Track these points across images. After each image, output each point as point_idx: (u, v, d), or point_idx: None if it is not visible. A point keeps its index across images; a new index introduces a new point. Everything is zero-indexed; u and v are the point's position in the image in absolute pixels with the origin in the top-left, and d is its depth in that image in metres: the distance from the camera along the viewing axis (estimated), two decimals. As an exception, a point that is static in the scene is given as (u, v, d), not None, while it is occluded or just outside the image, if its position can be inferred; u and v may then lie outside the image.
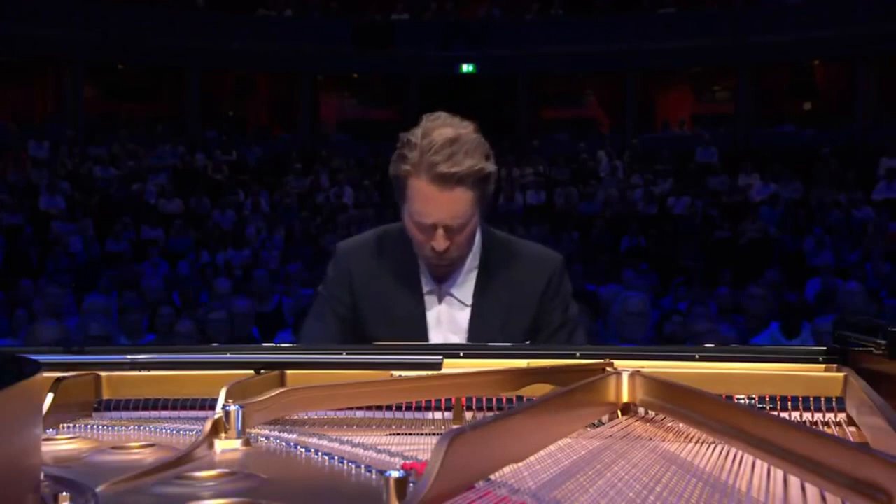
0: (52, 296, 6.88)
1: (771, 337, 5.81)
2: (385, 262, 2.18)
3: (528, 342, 2.12)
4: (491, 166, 2.03)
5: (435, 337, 2.15)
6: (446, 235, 2.03)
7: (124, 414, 1.54)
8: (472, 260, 2.17)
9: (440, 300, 2.17)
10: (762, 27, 18.96)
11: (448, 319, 2.16)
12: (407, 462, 1.14)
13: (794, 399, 1.43)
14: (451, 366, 1.57)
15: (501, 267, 2.17)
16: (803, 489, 0.96)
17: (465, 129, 2.02)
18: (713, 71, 21.16)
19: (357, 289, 2.18)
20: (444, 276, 2.16)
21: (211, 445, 1.21)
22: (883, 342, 1.29)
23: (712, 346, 1.80)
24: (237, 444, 1.23)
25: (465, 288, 2.17)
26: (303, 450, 1.23)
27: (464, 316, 2.17)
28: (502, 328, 2.12)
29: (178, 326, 5.49)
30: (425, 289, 2.16)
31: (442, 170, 1.95)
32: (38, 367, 0.83)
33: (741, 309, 6.74)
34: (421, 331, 2.14)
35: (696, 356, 1.58)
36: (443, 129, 2.00)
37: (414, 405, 1.47)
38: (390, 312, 2.14)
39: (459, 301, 2.17)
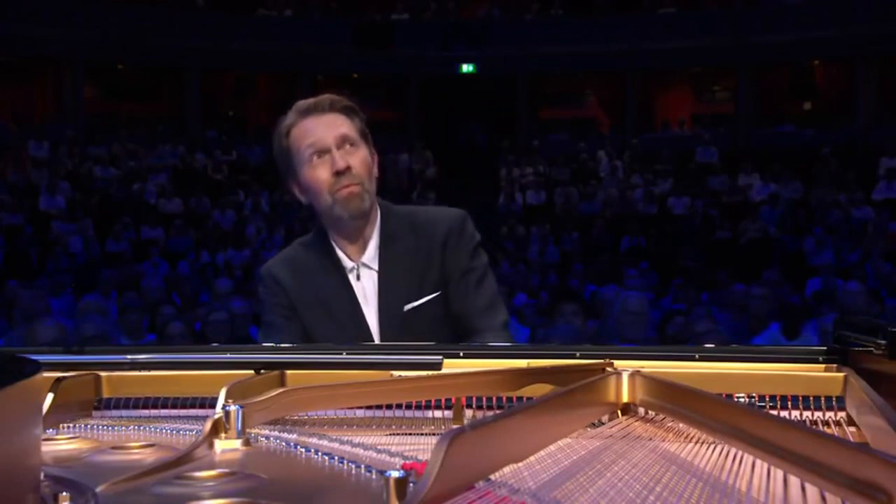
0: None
1: (771, 338, 5.80)
2: (307, 259, 2.28)
3: (438, 293, 2.18)
4: (355, 106, 2.24)
5: (367, 311, 2.22)
6: (342, 154, 2.15)
7: (124, 414, 1.54)
8: (376, 231, 2.25)
9: (359, 277, 2.24)
10: (762, 27, 18.96)
11: (370, 291, 2.24)
12: (407, 462, 1.14)
13: (794, 397, 1.43)
14: (451, 366, 1.57)
15: (402, 233, 2.25)
16: (803, 489, 0.96)
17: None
18: (713, 71, 21.16)
19: (290, 289, 2.25)
20: (357, 244, 2.23)
21: (211, 445, 1.21)
22: (883, 342, 1.29)
23: (712, 346, 1.80)
24: (237, 444, 1.23)
25: (374, 257, 2.26)
26: (303, 450, 1.23)
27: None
28: (408, 286, 2.19)
29: (169, 329, 5.47)
30: (347, 268, 2.24)
31: (308, 103, 2.21)
32: (38, 367, 0.83)
33: (741, 309, 6.74)
34: (353, 309, 2.21)
35: (696, 356, 1.58)
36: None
37: (414, 404, 1.47)
38: (323, 299, 2.22)
39: (370, 269, 2.24)
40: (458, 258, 2.23)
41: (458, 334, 2.19)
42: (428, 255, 2.22)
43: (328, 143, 2.15)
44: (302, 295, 2.24)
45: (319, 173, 2.16)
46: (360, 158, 2.18)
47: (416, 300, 2.18)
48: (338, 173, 2.14)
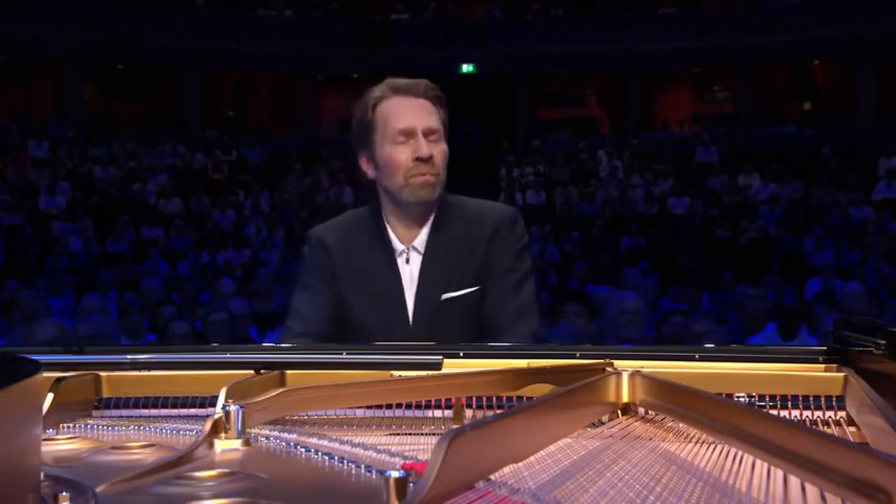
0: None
1: (768, 338, 5.79)
2: (358, 233, 2.26)
3: (477, 287, 2.17)
4: (443, 102, 2.21)
5: (410, 296, 2.21)
6: (427, 142, 2.14)
7: (124, 414, 1.54)
8: (430, 218, 2.24)
9: (408, 261, 2.23)
10: (762, 27, 18.96)
11: (417, 276, 2.23)
12: (407, 462, 1.14)
13: (794, 397, 1.43)
14: (451, 366, 1.57)
15: (452, 220, 2.24)
16: (803, 489, 0.96)
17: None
18: (713, 71, 21.15)
19: (336, 259, 2.24)
20: (411, 232, 2.22)
21: (211, 445, 1.21)
22: (883, 342, 1.29)
23: (712, 346, 1.80)
24: (237, 444, 1.23)
25: (423, 243, 2.25)
26: (303, 450, 1.23)
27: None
28: (449, 275, 2.18)
29: (173, 329, 5.46)
30: (397, 250, 2.23)
31: (406, 83, 2.19)
32: (38, 367, 0.83)
33: (738, 309, 6.74)
34: (397, 292, 2.20)
35: (696, 356, 1.58)
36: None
37: (414, 404, 1.47)
38: (368, 278, 2.21)
39: (419, 253, 2.23)
40: (503, 256, 2.21)
41: (481, 334, 2.17)
42: (474, 245, 2.21)
43: (417, 128, 2.14)
44: (346, 267, 2.23)
45: (400, 154, 2.14)
46: (441, 150, 2.18)
47: (455, 291, 2.17)
48: (419, 159, 2.13)
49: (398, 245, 2.23)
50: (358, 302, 2.20)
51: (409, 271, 2.22)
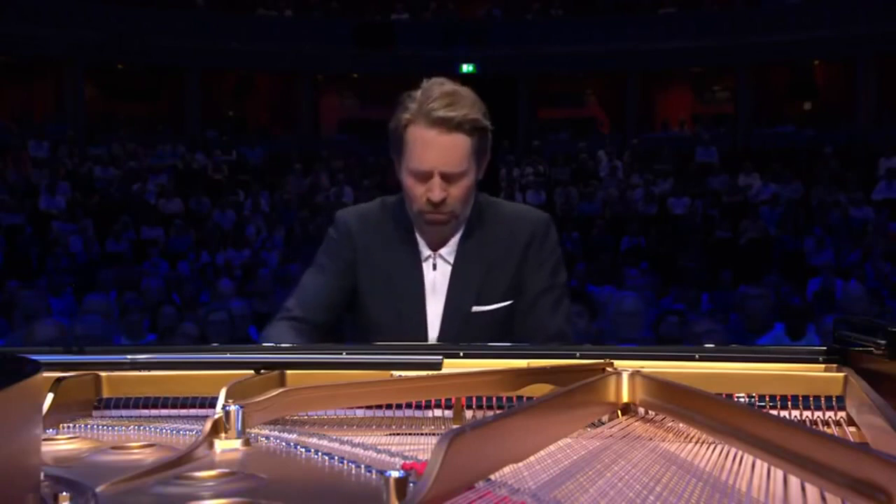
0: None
1: (776, 338, 5.79)
2: (385, 228, 2.18)
3: (509, 302, 2.11)
4: (487, 122, 2.07)
5: (431, 303, 2.14)
6: (443, 185, 2.04)
7: (124, 414, 1.54)
8: (462, 225, 2.16)
9: (434, 267, 2.16)
10: (762, 27, 18.96)
11: (441, 285, 2.16)
12: (407, 462, 1.14)
13: (794, 397, 1.43)
14: (451, 366, 1.57)
15: (485, 225, 2.16)
16: (803, 489, 0.96)
17: (463, 88, 2.09)
18: (713, 71, 21.15)
19: (359, 249, 2.18)
20: (438, 241, 2.15)
21: (211, 445, 1.21)
22: (883, 342, 1.29)
23: (712, 346, 1.79)
24: (237, 444, 1.23)
25: (452, 251, 2.17)
26: (303, 450, 1.23)
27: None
28: (480, 287, 2.11)
29: (180, 329, 5.48)
30: (423, 255, 2.16)
31: (440, 114, 2.00)
32: (38, 367, 0.83)
33: (741, 309, 6.73)
34: (418, 298, 2.14)
35: (696, 356, 1.58)
36: (442, 85, 2.07)
37: (414, 404, 1.47)
38: (389, 278, 2.15)
39: (447, 262, 2.16)
40: (539, 270, 2.14)
41: None
42: (506, 255, 2.14)
43: (434, 171, 2.03)
44: (367, 262, 2.17)
45: (415, 190, 2.06)
46: (461, 188, 2.06)
47: (487, 304, 2.11)
48: (430, 201, 2.05)
49: (424, 250, 2.16)
50: (376, 301, 2.15)
51: (433, 278, 2.15)
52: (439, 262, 2.16)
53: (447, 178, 2.04)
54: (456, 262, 2.14)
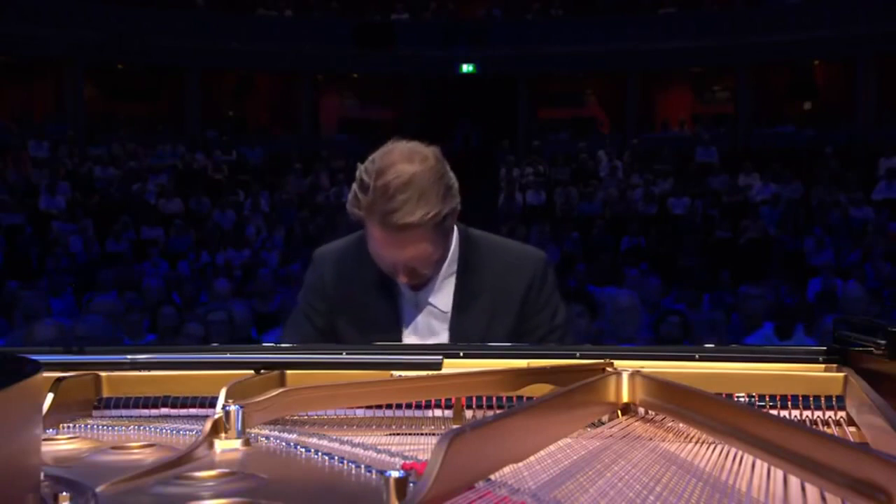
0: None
1: (765, 337, 5.79)
2: (361, 268, 2.09)
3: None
4: (448, 205, 1.93)
5: (411, 341, 2.10)
6: (408, 268, 1.98)
7: (124, 414, 1.54)
8: (450, 265, 2.08)
9: (418, 308, 2.10)
10: (762, 27, 18.96)
11: (425, 327, 2.10)
12: (407, 462, 1.14)
13: (794, 397, 1.43)
14: (451, 366, 1.57)
15: (480, 269, 2.08)
16: (803, 489, 0.96)
17: (421, 164, 1.90)
18: (713, 71, 21.15)
19: (332, 296, 2.13)
20: (418, 285, 2.09)
21: (211, 445, 1.21)
22: (883, 342, 1.29)
23: (712, 346, 1.80)
24: (237, 444, 1.23)
25: (443, 294, 2.09)
26: (303, 450, 1.23)
27: (441, 324, 2.09)
28: (484, 336, 2.04)
29: (184, 328, 5.47)
30: (403, 297, 2.10)
31: (394, 220, 1.86)
32: (38, 367, 0.83)
33: (740, 309, 6.74)
34: (396, 340, 2.08)
35: (696, 356, 1.58)
36: (399, 166, 1.88)
37: (414, 404, 1.47)
38: (365, 321, 2.08)
39: (438, 309, 2.09)
40: (540, 314, 2.09)
41: None
42: (507, 301, 2.07)
43: (394, 264, 1.97)
44: (345, 309, 2.10)
45: (382, 264, 2.00)
46: (429, 262, 1.99)
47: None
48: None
49: (406, 291, 2.08)
50: (355, 341, 2.06)
51: (415, 320, 2.09)
52: (425, 305, 2.10)
53: (410, 267, 1.98)
54: (455, 309, 2.08)
